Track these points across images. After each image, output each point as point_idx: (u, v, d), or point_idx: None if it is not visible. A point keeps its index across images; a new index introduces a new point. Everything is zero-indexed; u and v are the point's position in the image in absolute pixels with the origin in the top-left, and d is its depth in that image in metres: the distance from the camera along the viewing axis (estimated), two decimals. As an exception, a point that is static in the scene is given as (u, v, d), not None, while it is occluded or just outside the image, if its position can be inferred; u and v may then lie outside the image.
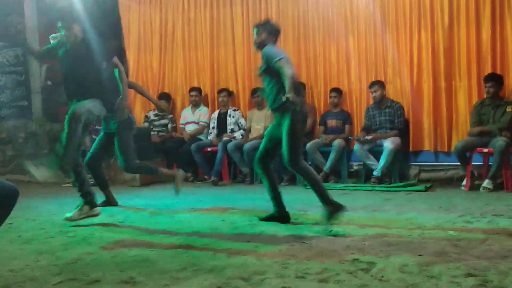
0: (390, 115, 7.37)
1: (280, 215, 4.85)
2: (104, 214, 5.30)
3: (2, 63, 9.65)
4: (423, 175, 7.49)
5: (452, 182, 7.24)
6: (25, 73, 9.85)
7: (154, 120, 8.61)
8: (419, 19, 7.45)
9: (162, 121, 8.68)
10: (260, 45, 4.84)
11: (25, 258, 3.75)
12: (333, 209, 4.55)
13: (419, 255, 3.54)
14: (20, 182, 7.91)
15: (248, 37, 8.24)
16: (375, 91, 7.37)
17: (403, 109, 7.44)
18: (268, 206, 5.07)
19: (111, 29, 5.23)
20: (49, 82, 10.07)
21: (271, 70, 4.69)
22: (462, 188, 6.72)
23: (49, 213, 5.48)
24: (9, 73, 9.72)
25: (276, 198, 4.87)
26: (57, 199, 6.55)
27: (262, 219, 4.90)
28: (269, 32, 4.86)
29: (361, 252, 3.68)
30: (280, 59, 4.58)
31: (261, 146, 4.93)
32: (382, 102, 7.40)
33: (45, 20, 9.95)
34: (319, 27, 8.02)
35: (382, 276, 3.12)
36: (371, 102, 7.53)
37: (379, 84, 7.40)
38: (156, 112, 8.64)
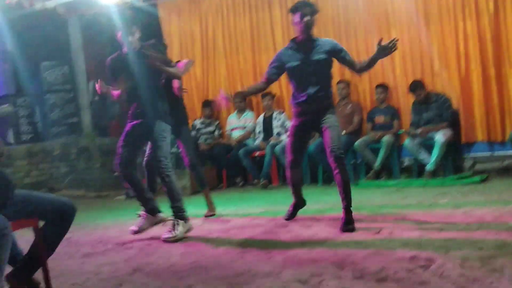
0: (437, 109, 7.21)
1: (300, 202, 5.12)
2: (158, 225, 5.35)
3: (51, 82, 9.92)
4: (478, 167, 7.30)
5: (509, 172, 7.03)
6: (73, 90, 10.11)
7: (200, 128, 8.68)
8: (463, 7, 7.26)
9: (209, 128, 8.74)
10: (311, 28, 4.73)
11: (86, 272, 3.83)
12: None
13: (480, 249, 3.44)
14: (75, 197, 8.10)
15: (288, 39, 8.18)
16: (418, 95, 7.25)
17: (450, 101, 7.27)
18: (318, 207, 5.05)
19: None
20: (96, 98, 10.29)
21: (328, 63, 4.67)
22: (520, 177, 6.51)
23: (105, 226, 5.59)
24: (58, 91, 9.99)
25: (298, 189, 5.10)
26: (111, 212, 6.67)
27: (287, 218, 5.04)
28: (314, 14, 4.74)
29: (419, 248, 3.60)
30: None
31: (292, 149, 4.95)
32: (427, 99, 7.25)
33: (89, 39, 10.23)
34: (359, 22, 7.92)
35: (443, 272, 3.04)
36: (416, 98, 7.38)
37: (420, 86, 7.25)
38: (202, 119, 8.71)
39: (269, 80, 4.92)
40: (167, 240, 4.60)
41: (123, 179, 4.94)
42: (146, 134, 4.86)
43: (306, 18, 4.65)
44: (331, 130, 4.61)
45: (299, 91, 4.77)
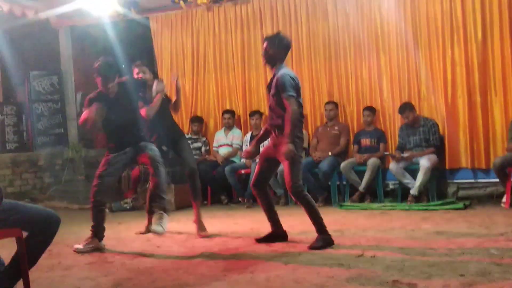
0: (424, 134, 7.28)
1: (276, 234, 4.98)
2: (141, 240, 5.34)
3: (39, 91, 9.87)
4: (462, 193, 7.35)
5: (491, 199, 7.08)
6: (60, 100, 10.06)
7: (187, 144, 8.66)
8: (451, 34, 7.37)
9: (195, 145, 8.72)
10: (269, 60, 4.84)
11: (67, 285, 3.80)
12: (327, 241, 4.60)
13: (461, 275, 3.47)
14: (58, 208, 8.02)
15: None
16: (406, 117, 7.30)
17: (438, 126, 7.34)
18: (306, 227, 5.05)
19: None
20: (84, 109, 10.26)
21: (279, 96, 4.71)
22: (502, 205, 6.55)
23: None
24: (45, 101, 9.94)
25: (273, 218, 5.01)
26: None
27: (259, 240, 4.97)
28: (277, 47, 4.82)
29: (401, 273, 3.62)
30: (290, 95, 4.62)
31: (257, 169, 5.01)
32: (415, 122, 7.32)
33: (80, 50, 10.23)
34: (349, 45, 8.00)
35: (425, 298, 3.06)
36: (404, 121, 7.45)
37: (409, 108, 7.30)
38: (190, 135, 8.71)
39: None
40: (156, 232, 4.86)
41: (94, 206, 5.10)
42: (132, 161, 5.31)
43: (263, 51, 4.87)
44: (284, 163, 4.69)
45: (268, 117, 4.98)
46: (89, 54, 10.35)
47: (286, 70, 4.80)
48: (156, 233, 4.88)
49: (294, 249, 4.64)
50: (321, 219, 4.68)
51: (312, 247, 4.55)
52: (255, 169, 5.13)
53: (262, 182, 5.04)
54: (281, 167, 5.39)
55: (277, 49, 4.80)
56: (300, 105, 4.75)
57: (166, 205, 5.07)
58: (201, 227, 5.67)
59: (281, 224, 5.04)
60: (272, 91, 4.77)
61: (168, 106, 5.91)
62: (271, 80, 4.85)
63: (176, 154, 5.90)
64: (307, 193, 4.79)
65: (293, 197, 4.79)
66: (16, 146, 9.41)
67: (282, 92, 4.65)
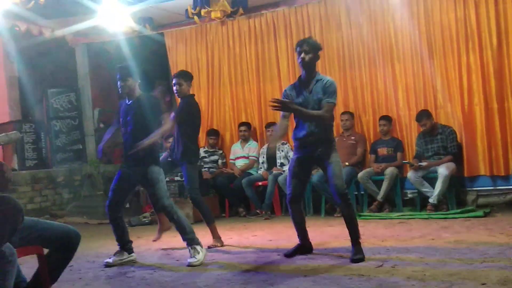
0: (442, 141, 7.24)
1: (304, 246, 4.96)
2: (161, 253, 5.36)
3: (57, 109, 10.00)
4: (481, 200, 7.28)
5: (511, 206, 7.01)
6: (78, 117, 10.18)
7: (204, 157, 8.71)
8: (466, 41, 7.33)
9: (212, 157, 8.76)
10: (307, 65, 4.78)
11: (87, 300, 3.82)
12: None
13: (483, 284, 3.43)
14: (78, 224, 8.08)
15: (294, 70, 8.30)
16: (424, 125, 7.27)
17: (456, 133, 7.29)
18: (324, 238, 5.04)
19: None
20: (101, 125, 10.38)
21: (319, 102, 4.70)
22: (523, 211, 6.49)
23: (108, 254, 5.56)
24: (63, 118, 10.07)
25: (302, 232, 4.98)
26: (113, 240, 6.64)
27: (288, 255, 4.90)
28: (314, 51, 4.78)
29: (422, 282, 3.59)
30: (333, 103, 4.67)
31: (292, 184, 4.91)
32: (433, 129, 7.28)
33: (96, 66, 10.36)
34: (364, 55, 8.00)
35: (447, 308, 3.03)
36: (422, 128, 7.41)
37: (426, 115, 7.27)
38: (206, 149, 8.75)
39: (284, 116, 4.91)
40: (192, 265, 4.79)
41: (110, 222, 5.23)
42: (138, 180, 5.24)
43: (302, 56, 4.77)
44: (334, 166, 4.66)
45: (299, 127, 4.85)
46: (105, 71, 10.47)
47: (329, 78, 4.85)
48: (192, 265, 4.80)
49: (313, 261, 4.63)
50: (358, 230, 4.68)
51: (355, 259, 4.45)
52: (288, 183, 4.97)
53: (299, 197, 4.96)
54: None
55: (313, 53, 4.77)
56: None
57: (195, 241, 5.00)
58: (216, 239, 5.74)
59: (308, 238, 5.01)
60: (317, 95, 4.73)
61: (185, 127, 5.85)
62: (308, 87, 4.80)
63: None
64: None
65: (341, 198, 4.62)
66: (35, 163, 9.52)
67: (329, 97, 4.64)
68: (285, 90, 5.00)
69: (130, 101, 5.20)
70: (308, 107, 4.73)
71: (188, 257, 4.89)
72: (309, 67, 4.81)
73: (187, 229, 5.04)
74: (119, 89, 5.24)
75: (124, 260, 5.11)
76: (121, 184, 5.19)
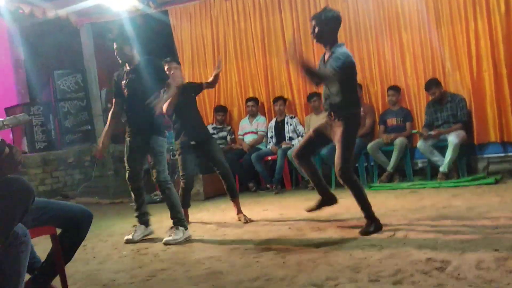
0: (452, 109, 7.19)
1: (326, 199, 4.95)
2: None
3: (64, 90, 10.01)
4: (492, 167, 7.24)
5: (523, 172, 6.99)
6: (86, 98, 10.20)
7: (213, 133, 8.69)
8: (474, 7, 7.23)
9: (221, 134, 8.76)
10: (320, 39, 4.71)
11: (102, 278, 3.87)
12: (376, 226, 4.51)
13: (495, 250, 3.43)
14: (89, 204, 8.14)
15: (300, 42, 8.23)
16: (433, 93, 7.21)
17: (465, 101, 7.23)
18: (335, 210, 5.04)
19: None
20: (109, 105, 10.38)
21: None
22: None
23: (120, 233, 5.62)
24: (71, 99, 10.09)
25: (319, 185, 4.96)
26: (125, 219, 6.70)
27: (309, 210, 4.97)
28: (326, 24, 4.65)
29: (434, 250, 3.60)
30: (336, 71, 4.48)
31: (305, 140, 4.94)
32: (442, 98, 7.22)
33: (101, 46, 10.32)
34: (370, 25, 7.91)
35: (459, 274, 3.04)
36: (431, 97, 7.35)
37: (435, 84, 7.21)
38: (214, 125, 8.74)
39: None
40: (168, 243, 4.81)
41: (132, 191, 5.30)
42: (145, 148, 5.19)
43: (311, 30, 4.73)
44: (337, 144, 4.61)
45: (323, 97, 4.84)
46: (111, 51, 10.43)
47: (346, 50, 4.70)
48: (167, 243, 4.83)
49: (324, 232, 4.64)
50: (369, 204, 4.58)
51: (363, 232, 4.44)
52: (302, 140, 5.02)
53: (306, 154, 4.94)
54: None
55: (325, 26, 4.64)
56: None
57: (181, 221, 5.04)
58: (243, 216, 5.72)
59: (328, 189, 5.05)
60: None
61: (193, 103, 5.91)
62: (323, 58, 4.75)
63: (205, 155, 5.90)
64: (356, 177, 4.65)
65: (340, 180, 4.61)
66: (45, 145, 9.57)
67: (333, 63, 4.51)
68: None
69: (129, 68, 5.18)
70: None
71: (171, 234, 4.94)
72: (320, 40, 4.74)
73: (176, 208, 5.08)
74: (118, 59, 5.21)
75: (144, 235, 5.20)
76: (132, 155, 5.21)
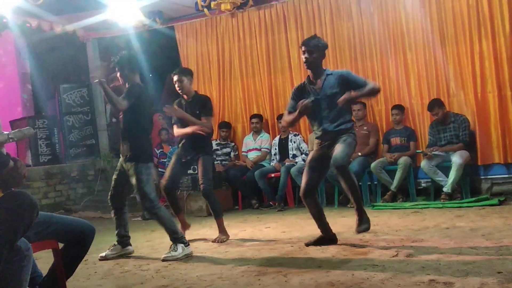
0: (455, 130, 7.18)
1: (327, 238, 4.89)
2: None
3: (69, 104, 10.05)
4: (496, 189, 7.22)
5: (527, 194, 6.97)
6: (91, 112, 10.23)
7: (216, 150, 8.71)
8: (478, 28, 7.25)
9: (225, 150, 8.77)
10: (311, 65, 4.78)
11: (103, 293, 3.85)
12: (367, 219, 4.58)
13: (499, 273, 3.41)
14: (92, 218, 8.14)
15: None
16: (436, 114, 7.21)
17: (468, 122, 7.22)
18: (337, 229, 5.02)
19: None
20: (114, 119, 10.43)
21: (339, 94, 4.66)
22: (538, 199, 6.43)
23: (122, 248, 5.60)
24: (76, 113, 10.12)
25: (322, 223, 4.93)
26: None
27: (309, 244, 4.90)
28: (321, 49, 4.78)
29: (437, 272, 3.58)
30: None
31: (306, 178, 4.87)
32: (445, 118, 7.22)
33: (107, 61, 10.38)
34: (375, 44, 7.94)
35: (462, 297, 3.02)
36: (434, 117, 7.35)
37: (438, 104, 7.21)
38: (218, 141, 8.76)
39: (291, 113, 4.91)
40: (166, 260, 4.80)
41: (113, 209, 5.43)
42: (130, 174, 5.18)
43: (305, 55, 4.78)
44: (339, 144, 4.63)
45: (316, 125, 4.85)
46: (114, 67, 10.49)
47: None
48: (166, 259, 4.82)
49: (327, 252, 4.62)
50: (362, 198, 4.65)
51: (360, 230, 4.48)
52: (304, 177, 4.93)
53: (312, 189, 4.91)
54: None
55: (317, 53, 4.75)
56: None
57: (179, 239, 5.00)
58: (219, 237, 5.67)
59: (330, 229, 4.96)
60: (331, 90, 4.71)
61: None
62: (319, 84, 4.79)
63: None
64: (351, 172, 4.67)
65: (337, 172, 4.54)
66: (49, 159, 9.60)
67: (359, 78, 4.69)
68: (296, 87, 5.01)
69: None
70: (322, 105, 4.75)
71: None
72: (313, 67, 4.81)
73: (170, 227, 5.03)
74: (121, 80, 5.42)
75: (118, 254, 5.20)
76: (119, 177, 5.28)
